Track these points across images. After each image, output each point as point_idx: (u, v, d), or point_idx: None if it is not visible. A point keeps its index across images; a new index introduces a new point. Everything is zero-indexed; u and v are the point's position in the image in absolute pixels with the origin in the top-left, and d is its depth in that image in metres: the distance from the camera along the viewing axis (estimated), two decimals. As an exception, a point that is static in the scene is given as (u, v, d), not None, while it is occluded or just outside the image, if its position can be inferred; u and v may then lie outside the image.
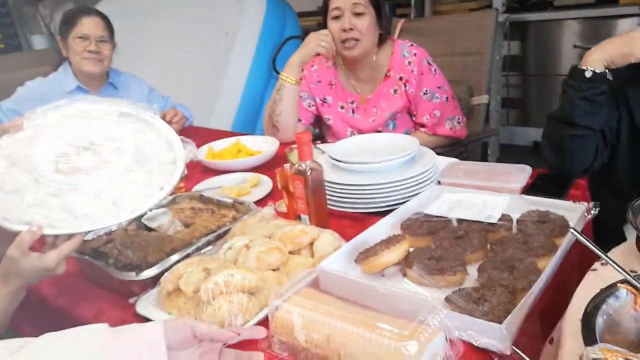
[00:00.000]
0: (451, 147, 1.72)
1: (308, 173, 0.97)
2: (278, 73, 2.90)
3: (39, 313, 0.91)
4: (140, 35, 3.28)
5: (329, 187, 1.09)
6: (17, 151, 0.89)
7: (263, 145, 1.58)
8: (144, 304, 0.81)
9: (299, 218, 1.02)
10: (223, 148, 1.57)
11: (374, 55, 1.67)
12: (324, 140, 1.90)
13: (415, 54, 1.64)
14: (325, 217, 1.02)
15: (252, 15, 2.91)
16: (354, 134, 1.72)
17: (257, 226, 0.92)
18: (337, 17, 1.58)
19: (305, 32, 3.35)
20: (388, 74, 1.67)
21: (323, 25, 1.65)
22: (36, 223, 0.78)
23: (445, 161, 1.26)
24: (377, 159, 1.11)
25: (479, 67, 2.02)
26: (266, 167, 1.47)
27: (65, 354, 0.56)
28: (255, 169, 1.45)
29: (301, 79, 1.69)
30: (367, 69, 1.68)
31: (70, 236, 0.80)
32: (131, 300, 0.86)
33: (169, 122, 1.65)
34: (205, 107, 2.68)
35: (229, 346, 0.65)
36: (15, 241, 0.76)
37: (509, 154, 3.39)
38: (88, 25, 1.79)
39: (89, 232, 0.83)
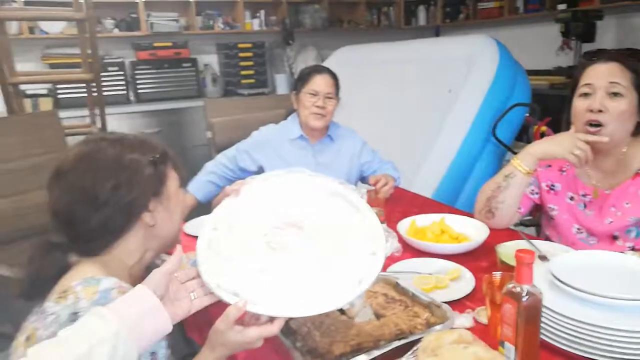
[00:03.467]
0: None
1: (524, 299, 0.83)
2: (497, 139, 2.74)
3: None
4: (363, 86, 3.46)
5: (544, 310, 0.92)
6: (235, 217, 0.97)
7: (470, 229, 1.46)
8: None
9: (501, 345, 0.88)
10: (426, 225, 1.50)
11: (625, 146, 1.41)
12: (540, 233, 1.68)
13: None
14: (535, 353, 0.86)
15: (481, 75, 2.80)
16: (581, 232, 1.47)
17: (452, 349, 0.82)
18: (586, 95, 1.37)
19: (534, 93, 3.09)
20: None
21: (568, 103, 1.45)
22: (242, 297, 0.83)
23: None
24: (615, 294, 0.90)
25: None
26: (469, 257, 1.35)
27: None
28: (458, 255, 1.34)
29: (535, 170, 1.48)
30: (612, 160, 1.43)
31: (271, 318, 0.82)
32: (309, 391, 0.85)
33: (378, 190, 1.65)
34: (412, 165, 2.66)
35: None
36: (223, 315, 0.82)
37: None
38: (319, 83, 1.94)
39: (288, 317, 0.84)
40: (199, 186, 1.98)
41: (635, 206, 1.38)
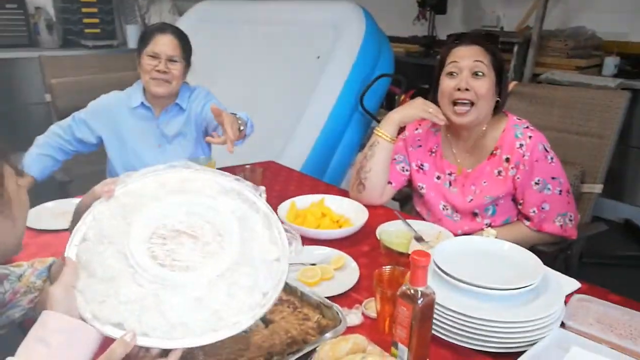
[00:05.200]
0: (554, 245, 1.51)
1: (419, 302, 0.82)
2: (364, 109, 2.79)
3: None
4: (228, 44, 3.23)
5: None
6: (110, 225, 0.79)
7: (349, 211, 1.44)
8: None
9: (394, 346, 0.87)
10: (306, 207, 1.45)
11: (484, 125, 1.49)
12: (409, 208, 1.75)
13: (530, 137, 1.45)
14: (427, 350, 0.87)
15: (348, 43, 2.79)
16: (447, 209, 1.56)
17: (350, 360, 0.78)
18: (452, 74, 1.44)
19: (395, 60, 3.18)
20: (495, 152, 1.48)
21: (435, 82, 1.51)
22: (129, 329, 0.68)
23: (565, 286, 1.07)
24: (496, 284, 0.94)
25: (596, 152, 1.80)
26: (350, 241, 1.33)
27: None
28: (339, 239, 1.32)
29: (397, 138, 1.56)
30: (473, 140, 1.51)
31: (165, 351, 0.70)
32: None
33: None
34: (281, 136, 2.59)
35: None
36: (106, 354, 0.67)
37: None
38: (160, 44, 1.71)
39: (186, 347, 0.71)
40: (32, 161, 1.67)
41: (490, 185, 1.49)
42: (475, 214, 1.52)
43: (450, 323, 0.92)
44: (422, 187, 1.59)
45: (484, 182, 1.49)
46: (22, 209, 0.83)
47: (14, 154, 0.84)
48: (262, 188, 0.90)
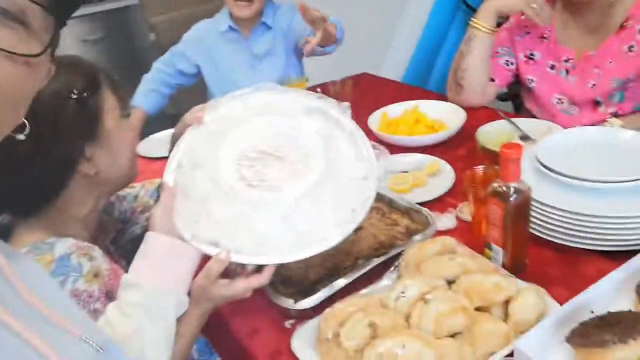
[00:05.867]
0: None
1: (512, 199, 0.75)
2: (468, 6, 2.52)
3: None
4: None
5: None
6: (201, 150, 0.82)
7: (447, 115, 1.35)
8: (301, 342, 0.72)
9: (487, 247, 0.82)
10: (398, 115, 1.38)
11: None
12: (519, 110, 1.59)
13: None
14: (524, 251, 0.81)
15: None
16: (562, 102, 1.38)
17: (437, 262, 0.75)
18: None
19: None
20: (625, 24, 1.25)
21: None
22: (223, 247, 0.72)
23: None
24: (606, 177, 0.83)
25: None
26: (447, 146, 1.26)
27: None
28: (435, 145, 1.25)
29: (499, 28, 1.40)
30: (596, 15, 1.28)
31: (258, 267, 0.73)
32: (287, 324, 0.79)
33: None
34: (377, 45, 2.46)
35: None
36: (205, 269, 0.72)
37: None
38: None
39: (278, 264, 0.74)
40: (142, 97, 1.80)
41: (618, 65, 1.28)
42: (597, 103, 1.34)
43: (554, 221, 0.84)
44: (532, 80, 1.42)
45: (610, 62, 1.28)
46: (124, 142, 0.85)
47: (118, 87, 0.87)
48: (346, 104, 0.87)
